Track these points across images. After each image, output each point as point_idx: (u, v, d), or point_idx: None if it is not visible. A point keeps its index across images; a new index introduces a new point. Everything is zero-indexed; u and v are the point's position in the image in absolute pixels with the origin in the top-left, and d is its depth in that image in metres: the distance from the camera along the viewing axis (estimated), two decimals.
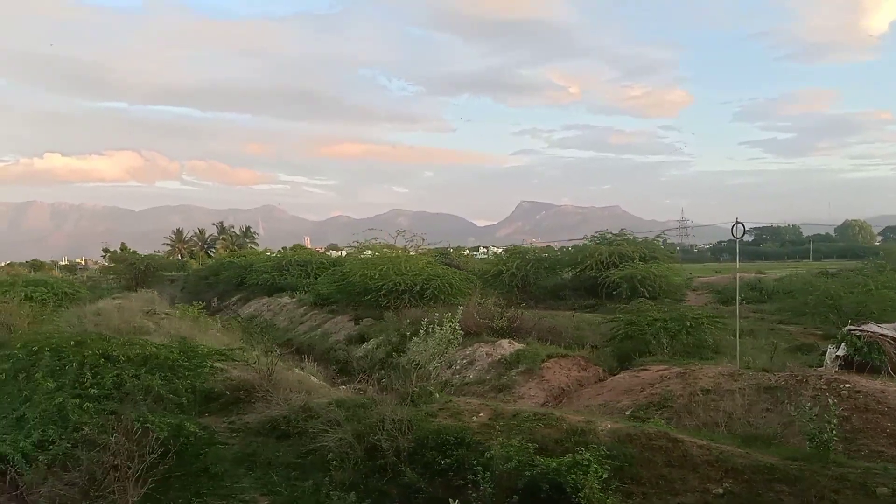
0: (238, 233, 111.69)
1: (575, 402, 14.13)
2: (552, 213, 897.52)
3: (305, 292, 33.55)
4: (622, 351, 16.71)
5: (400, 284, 24.49)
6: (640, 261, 28.10)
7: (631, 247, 30.28)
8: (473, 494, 7.39)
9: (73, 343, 10.72)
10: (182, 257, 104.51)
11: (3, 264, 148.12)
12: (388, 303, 24.41)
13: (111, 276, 67.00)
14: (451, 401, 9.99)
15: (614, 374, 15.54)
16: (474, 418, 9.03)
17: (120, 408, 9.39)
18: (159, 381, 10.00)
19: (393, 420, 9.11)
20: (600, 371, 15.73)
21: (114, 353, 10.46)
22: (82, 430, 8.69)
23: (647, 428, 8.10)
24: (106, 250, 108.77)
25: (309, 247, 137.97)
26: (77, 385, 9.56)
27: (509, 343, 17.23)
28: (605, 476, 6.75)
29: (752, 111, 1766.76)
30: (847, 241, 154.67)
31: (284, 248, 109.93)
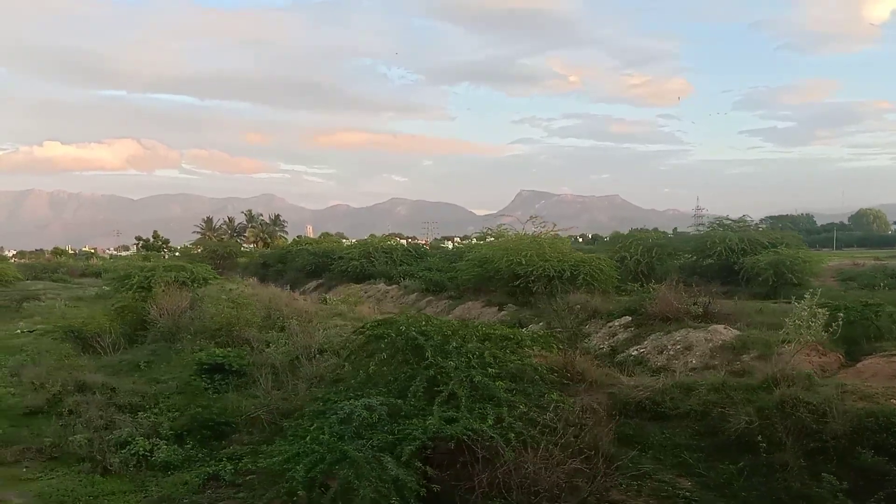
0: (268, 221, 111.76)
1: None
2: (552, 203, 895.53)
3: (416, 278, 33.56)
4: (845, 337, 16.70)
5: (549, 270, 24.43)
6: (784, 247, 28.25)
7: (758, 233, 30.46)
8: None
9: (423, 324, 10.73)
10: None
11: (12, 253, 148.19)
12: (537, 289, 24.39)
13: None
14: (844, 384, 10.03)
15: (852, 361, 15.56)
16: (892, 401, 9.07)
17: (530, 388, 9.44)
18: (531, 363, 10.07)
19: (806, 402, 9.16)
20: (840, 357, 15.74)
21: (466, 334, 10.47)
22: (518, 409, 8.71)
23: None
24: (139, 238, 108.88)
25: (311, 235, 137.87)
26: (465, 364, 9.54)
27: (725, 328, 17.23)
28: None
29: (753, 100, 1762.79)
30: (862, 230, 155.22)
31: (299, 236, 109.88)
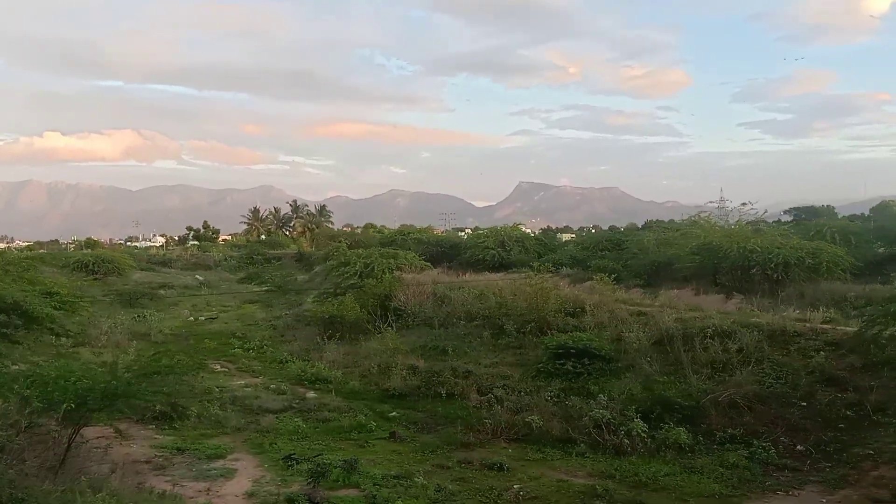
0: (314, 211, 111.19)
1: None
2: (551, 194, 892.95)
3: (583, 267, 33.16)
4: None
5: (788, 257, 24.03)
6: None
7: None
8: None
9: None
10: (259, 235, 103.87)
11: (22, 244, 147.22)
12: (777, 277, 24.06)
13: None
14: None
15: None
16: None
17: None
18: None
19: None
20: None
21: None
22: None
23: None
24: (190, 228, 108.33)
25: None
26: None
27: None
28: None
29: (751, 92, 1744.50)
30: (887, 221, 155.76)
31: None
